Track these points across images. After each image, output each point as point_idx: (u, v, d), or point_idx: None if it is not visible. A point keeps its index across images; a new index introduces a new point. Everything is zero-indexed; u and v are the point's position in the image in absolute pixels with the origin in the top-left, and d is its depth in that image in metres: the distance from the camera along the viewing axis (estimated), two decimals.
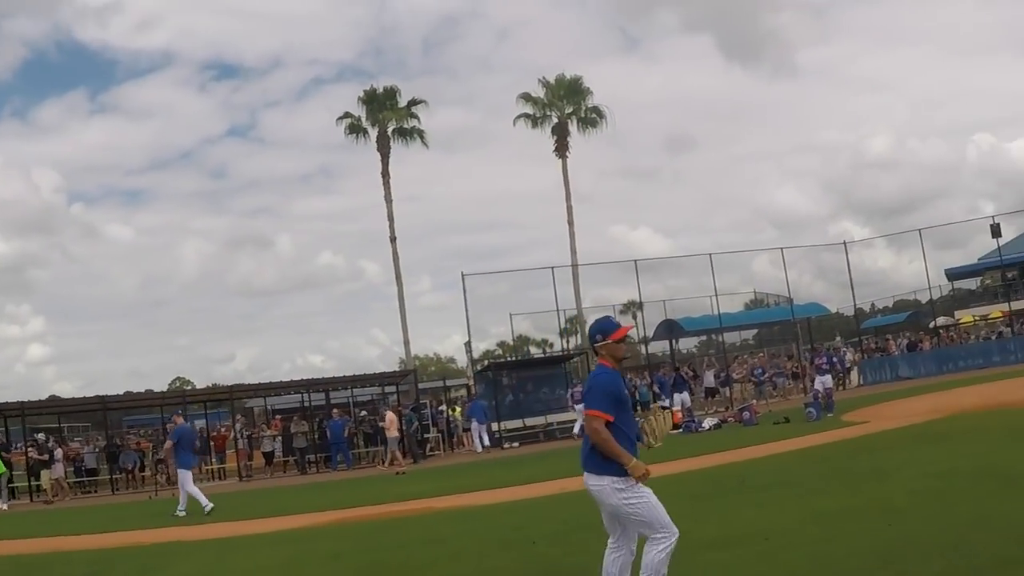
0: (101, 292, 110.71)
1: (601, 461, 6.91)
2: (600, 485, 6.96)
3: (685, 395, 34.97)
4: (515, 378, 41.70)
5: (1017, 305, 56.13)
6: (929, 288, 52.71)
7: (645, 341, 50.50)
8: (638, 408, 42.53)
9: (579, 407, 36.05)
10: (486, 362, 43.89)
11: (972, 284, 70.95)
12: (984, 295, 68.14)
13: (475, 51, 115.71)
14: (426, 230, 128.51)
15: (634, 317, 65.94)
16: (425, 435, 39.49)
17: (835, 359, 30.44)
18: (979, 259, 65.76)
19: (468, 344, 45.17)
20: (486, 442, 37.67)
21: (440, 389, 50.81)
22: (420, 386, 52.59)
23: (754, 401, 35.22)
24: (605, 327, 7.15)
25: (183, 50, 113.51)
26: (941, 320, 63.40)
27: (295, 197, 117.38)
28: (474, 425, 38.40)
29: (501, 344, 63.09)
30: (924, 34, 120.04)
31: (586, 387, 7.55)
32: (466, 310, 41.49)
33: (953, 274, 63.55)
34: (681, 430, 30.45)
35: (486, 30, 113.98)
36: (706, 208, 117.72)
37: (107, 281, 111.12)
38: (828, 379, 28.97)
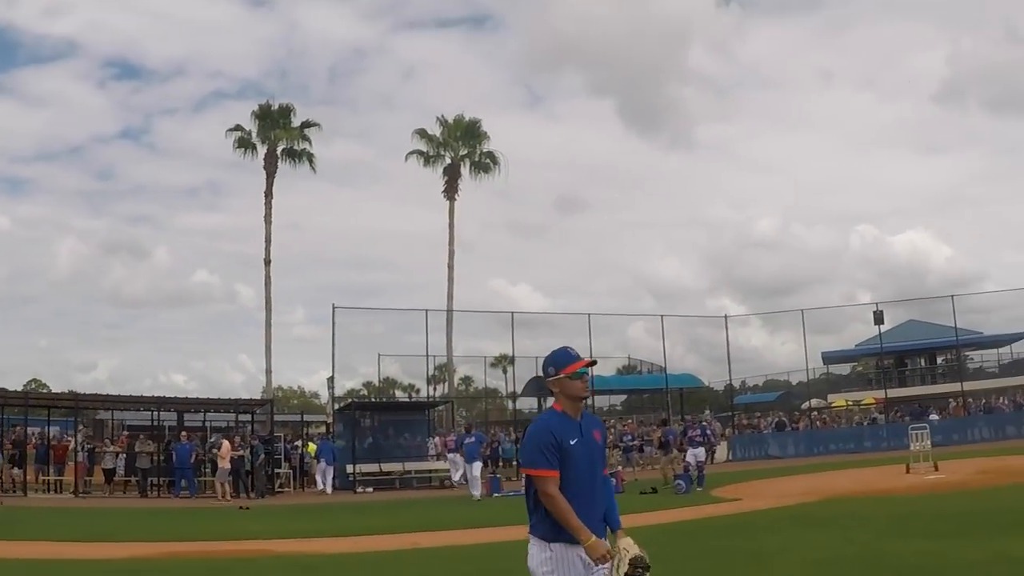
0: None
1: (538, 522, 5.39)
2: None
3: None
4: (376, 420, 39.86)
5: (892, 393, 56.48)
6: (807, 369, 52.25)
7: (514, 396, 49.04)
8: (500, 464, 41.19)
9: (451, 455, 34.47)
10: (348, 400, 41.26)
11: (845, 369, 71.06)
12: (857, 380, 68.42)
13: (379, 87, 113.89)
14: (308, 260, 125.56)
15: (505, 372, 64.99)
16: (276, 470, 37.25)
17: (708, 432, 28.96)
18: (856, 345, 65.86)
19: (331, 380, 42.85)
20: (329, 486, 35.57)
21: (299, 423, 48.32)
22: (277, 418, 50.26)
23: (620, 468, 33.76)
24: (558, 359, 5.51)
25: (88, 43, 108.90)
26: (813, 402, 63.49)
27: (179, 209, 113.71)
28: (321, 465, 36.38)
29: (367, 384, 60.77)
30: (821, 123, 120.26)
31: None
32: (333, 344, 39.49)
33: (829, 357, 63.26)
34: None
35: (393, 67, 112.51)
36: (588, 271, 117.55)
37: None
38: (701, 452, 27.42)
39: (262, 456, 34.46)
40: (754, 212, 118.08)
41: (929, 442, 27.03)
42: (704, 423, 32.58)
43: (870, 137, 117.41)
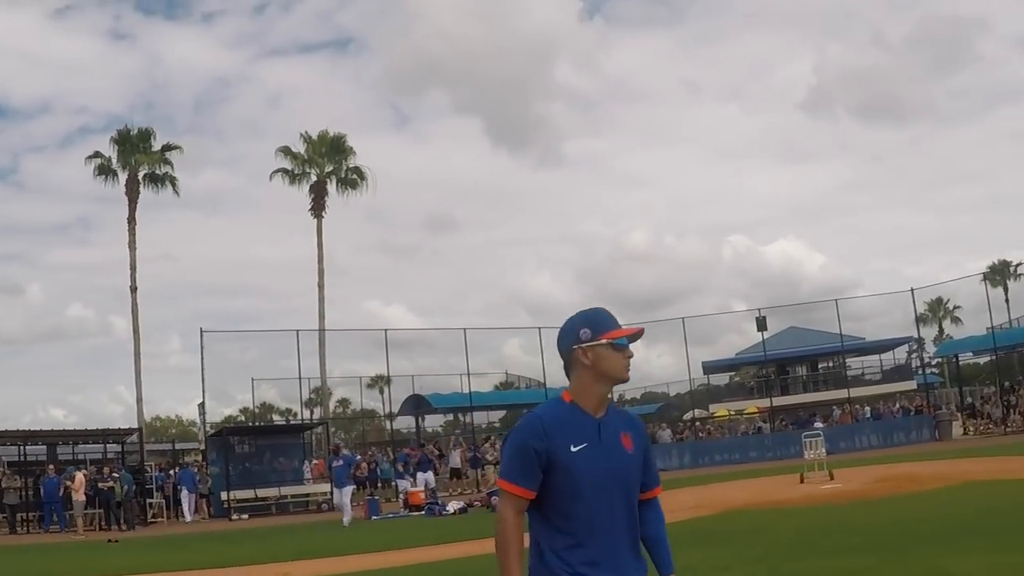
0: None
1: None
2: None
3: (430, 475, 31.85)
4: (250, 445, 38.05)
5: (776, 402, 56.02)
6: (689, 379, 51.51)
7: (391, 417, 47.47)
8: (378, 486, 39.38)
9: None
10: (221, 426, 38.97)
11: (724, 379, 70.64)
12: (739, 390, 67.94)
13: (245, 114, 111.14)
14: (181, 290, 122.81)
15: (381, 392, 63.17)
16: (148, 500, 35.38)
17: None
18: (736, 354, 65.45)
19: (202, 405, 40.41)
20: (189, 514, 34.43)
21: (174, 452, 45.89)
22: (151, 447, 48.01)
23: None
24: (596, 319, 3.74)
25: None
26: (696, 412, 62.83)
27: (50, 246, 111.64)
28: (184, 493, 34.77)
29: (244, 411, 58.56)
30: (689, 136, 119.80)
31: None
32: (202, 369, 37.78)
33: (709, 367, 62.53)
34: (424, 512, 27.47)
35: (258, 94, 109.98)
36: (461, 289, 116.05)
37: None
38: None
39: (129, 487, 32.36)
40: (626, 225, 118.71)
41: (824, 450, 26.00)
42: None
43: (739, 148, 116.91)
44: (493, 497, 26.48)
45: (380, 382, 60.35)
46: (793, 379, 65.35)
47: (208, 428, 40.08)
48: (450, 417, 62.27)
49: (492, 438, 41.26)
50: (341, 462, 28.49)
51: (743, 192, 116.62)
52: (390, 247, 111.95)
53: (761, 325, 46.74)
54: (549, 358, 47.24)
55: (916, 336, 79.93)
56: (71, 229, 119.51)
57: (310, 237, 50.81)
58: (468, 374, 43.63)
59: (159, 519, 35.10)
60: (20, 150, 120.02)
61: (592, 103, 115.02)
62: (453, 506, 27.86)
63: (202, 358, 37.15)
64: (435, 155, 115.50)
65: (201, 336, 37.18)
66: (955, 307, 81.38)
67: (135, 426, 40.31)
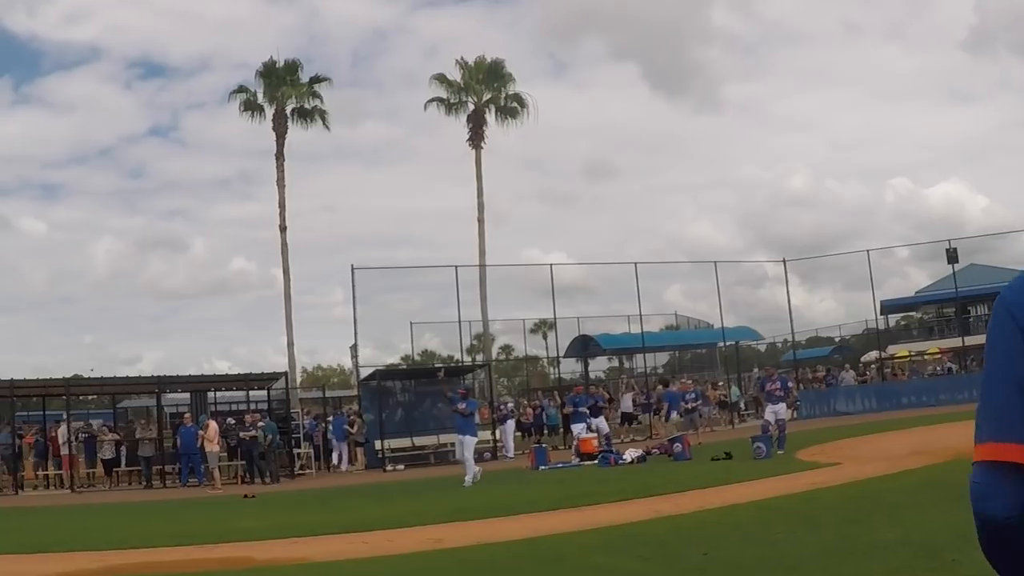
0: (9, 285, 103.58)
1: None
2: None
3: (602, 420, 29.31)
4: (405, 390, 36.16)
5: (958, 342, 52.50)
6: (876, 319, 48.37)
7: (557, 361, 45.33)
8: (544, 433, 37.50)
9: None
10: (371, 370, 37.09)
11: (898, 321, 66.86)
12: (920, 330, 64.19)
13: (402, 66, 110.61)
14: (344, 242, 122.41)
15: (544, 337, 61.22)
16: (295, 450, 33.75)
17: (790, 384, 24.36)
18: (916, 292, 61.75)
19: (354, 348, 38.21)
20: (344, 464, 33.67)
21: (326, 400, 44.54)
22: (304, 395, 46.69)
23: (684, 432, 30.07)
24: None
25: (111, 46, 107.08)
26: (872, 355, 59.57)
27: (212, 201, 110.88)
28: (334, 443, 33.64)
29: (406, 359, 57.27)
30: (849, 77, 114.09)
31: None
32: (354, 308, 35.75)
33: (889, 306, 58.83)
34: (597, 461, 24.98)
35: (415, 46, 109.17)
36: (621, 237, 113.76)
37: (16, 275, 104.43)
38: (782, 408, 23.27)
39: (271, 437, 30.64)
40: (785, 170, 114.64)
41: None
42: (784, 375, 28.14)
43: (899, 89, 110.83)
44: (676, 444, 24.21)
45: (543, 327, 58.34)
46: (975, 319, 61.14)
47: (361, 373, 38.13)
48: (615, 363, 60.27)
49: (671, 379, 38.65)
50: (464, 405, 23.26)
51: (904, 134, 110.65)
52: (549, 195, 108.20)
53: (951, 257, 43.07)
54: (711, 304, 45.37)
55: None
56: (232, 184, 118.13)
57: (470, 181, 48.76)
58: (640, 314, 41.18)
59: (307, 470, 33.71)
60: (180, 107, 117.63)
61: (749, 46, 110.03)
62: (631, 454, 25.29)
63: (353, 297, 35.37)
64: (593, 102, 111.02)
65: (352, 274, 35.44)
66: None
67: (299, 376, 38.96)
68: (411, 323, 42.73)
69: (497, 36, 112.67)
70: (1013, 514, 1.85)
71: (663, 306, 70.42)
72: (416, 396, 36.31)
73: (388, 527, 14.57)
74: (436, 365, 40.59)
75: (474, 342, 53.90)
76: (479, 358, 48.57)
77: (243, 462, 31.01)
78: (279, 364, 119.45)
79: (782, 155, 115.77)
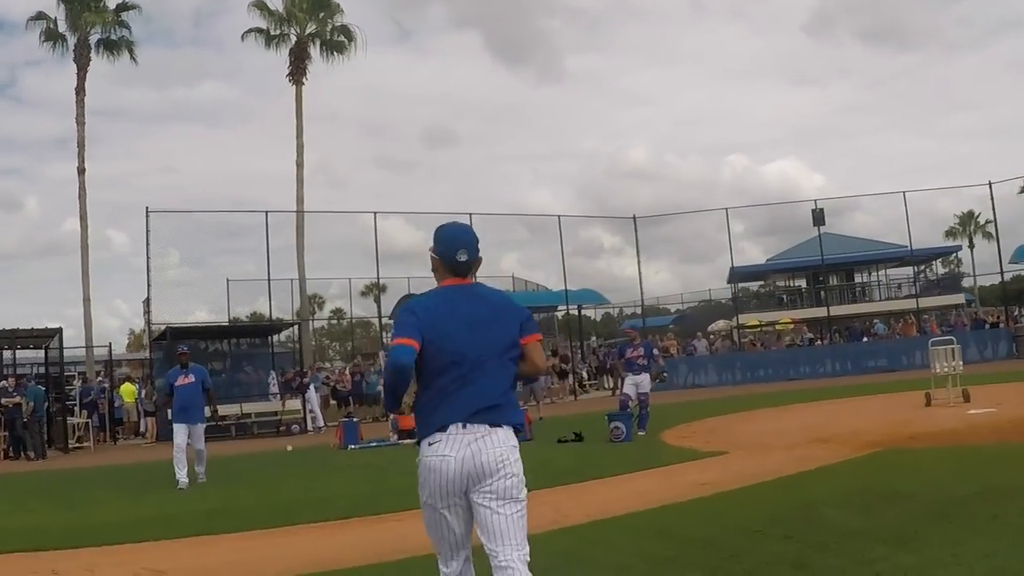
0: None
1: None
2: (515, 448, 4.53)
3: None
4: (203, 352, 31.09)
5: (814, 313, 50.00)
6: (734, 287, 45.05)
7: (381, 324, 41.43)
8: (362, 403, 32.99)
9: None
10: (162, 327, 31.60)
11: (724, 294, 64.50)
12: (770, 300, 61.58)
13: (242, 27, 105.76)
14: (182, 204, 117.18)
15: (376, 301, 57.03)
16: (68, 419, 28.62)
17: (655, 352, 19.65)
18: (768, 259, 59.12)
19: (147, 303, 32.78)
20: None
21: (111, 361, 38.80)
22: (130, 356, 41.39)
23: (523, 406, 25.71)
24: None
25: None
26: (719, 324, 57.01)
27: (48, 160, 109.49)
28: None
29: (234, 321, 52.19)
30: (693, 55, 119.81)
31: None
32: (147, 257, 30.82)
33: (738, 274, 55.63)
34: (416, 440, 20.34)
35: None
36: (460, 205, 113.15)
37: None
38: (645, 380, 18.39)
39: (37, 403, 25.60)
40: (626, 143, 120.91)
41: (961, 362, 19.22)
42: (648, 340, 23.64)
43: (741, 68, 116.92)
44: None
45: (374, 289, 53.73)
46: (829, 289, 58.65)
47: (154, 332, 32.58)
48: None
49: None
50: (191, 378, 15.65)
51: (744, 112, 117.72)
52: (389, 161, 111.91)
53: (818, 219, 39.93)
54: (547, 273, 42.25)
55: (968, 244, 75.10)
56: (69, 143, 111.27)
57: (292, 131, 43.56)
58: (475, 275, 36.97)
59: (85, 443, 28.73)
60: (18, 63, 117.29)
61: (594, 19, 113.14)
62: None
63: (147, 244, 30.44)
64: (435, 69, 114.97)
65: (147, 218, 30.39)
66: (987, 221, 74.87)
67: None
68: (227, 280, 38.11)
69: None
70: (409, 363, 4.35)
71: (500, 272, 67.27)
72: (216, 359, 31.61)
73: (78, 543, 9.79)
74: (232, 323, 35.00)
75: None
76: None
77: (6, 433, 26.13)
78: (112, 327, 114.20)
79: (624, 129, 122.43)
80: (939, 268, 63.10)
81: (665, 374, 23.20)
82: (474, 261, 4.65)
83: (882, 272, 60.33)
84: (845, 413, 19.42)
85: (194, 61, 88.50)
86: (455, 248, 4.64)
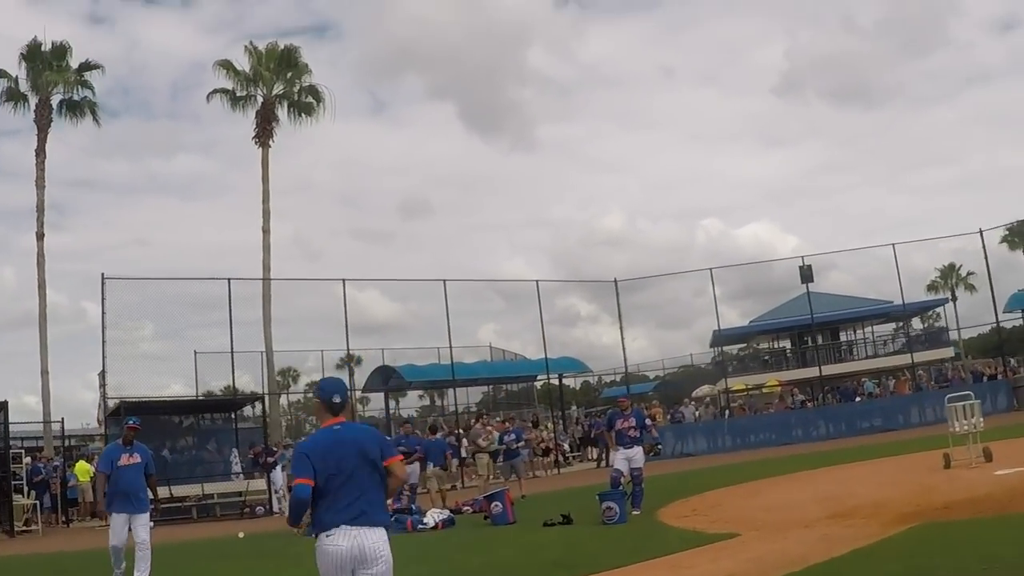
0: None
1: (386, 512, 6.50)
2: (386, 541, 6.11)
3: (409, 468, 22.47)
4: (162, 428, 29.21)
5: (801, 374, 48.50)
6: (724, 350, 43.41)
7: (361, 398, 39.79)
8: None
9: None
10: (117, 402, 29.18)
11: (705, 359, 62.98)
12: (754, 363, 59.97)
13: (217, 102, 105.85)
14: (153, 273, 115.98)
15: (351, 374, 55.37)
16: (14, 501, 26.38)
17: (648, 422, 17.67)
18: (750, 321, 57.53)
19: (102, 375, 30.38)
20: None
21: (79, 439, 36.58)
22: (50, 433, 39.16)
23: (503, 480, 23.71)
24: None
25: None
26: (703, 389, 55.25)
27: (23, 230, 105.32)
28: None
29: (208, 395, 50.22)
30: (664, 120, 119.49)
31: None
32: (103, 326, 28.93)
33: (722, 337, 53.92)
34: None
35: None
36: (437, 274, 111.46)
37: None
38: (638, 454, 16.50)
39: None
40: (599, 210, 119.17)
41: (981, 419, 17.54)
42: (639, 408, 21.66)
43: (713, 132, 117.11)
44: (495, 504, 17.69)
45: (351, 361, 51.87)
46: (814, 348, 57.04)
47: (109, 406, 30.28)
48: (426, 402, 56.28)
49: (485, 416, 31.82)
50: (137, 457, 12.59)
51: (717, 176, 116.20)
52: (365, 232, 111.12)
53: (806, 276, 38.44)
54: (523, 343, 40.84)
55: (952, 297, 73.77)
56: (45, 213, 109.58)
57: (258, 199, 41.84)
58: (450, 345, 35.51)
59: (33, 526, 26.51)
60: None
61: (565, 88, 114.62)
62: (434, 516, 18.50)
63: (103, 313, 28.40)
64: (410, 140, 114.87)
65: (103, 285, 28.51)
66: (968, 273, 73.69)
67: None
68: (195, 352, 35.48)
69: (317, 71, 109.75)
70: (307, 497, 5.82)
71: (476, 343, 65.84)
72: (176, 434, 29.86)
73: None
74: (195, 397, 32.69)
75: (278, 378, 47.75)
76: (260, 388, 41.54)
77: None
78: (87, 400, 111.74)
79: (596, 195, 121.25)
80: (917, 324, 61.80)
81: (659, 446, 21.43)
82: (345, 403, 6.29)
83: (868, 329, 58.92)
84: (859, 480, 17.63)
85: (170, 133, 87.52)
86: (331, 394, 6.24)
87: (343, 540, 5.73)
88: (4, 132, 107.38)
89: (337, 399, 6.19)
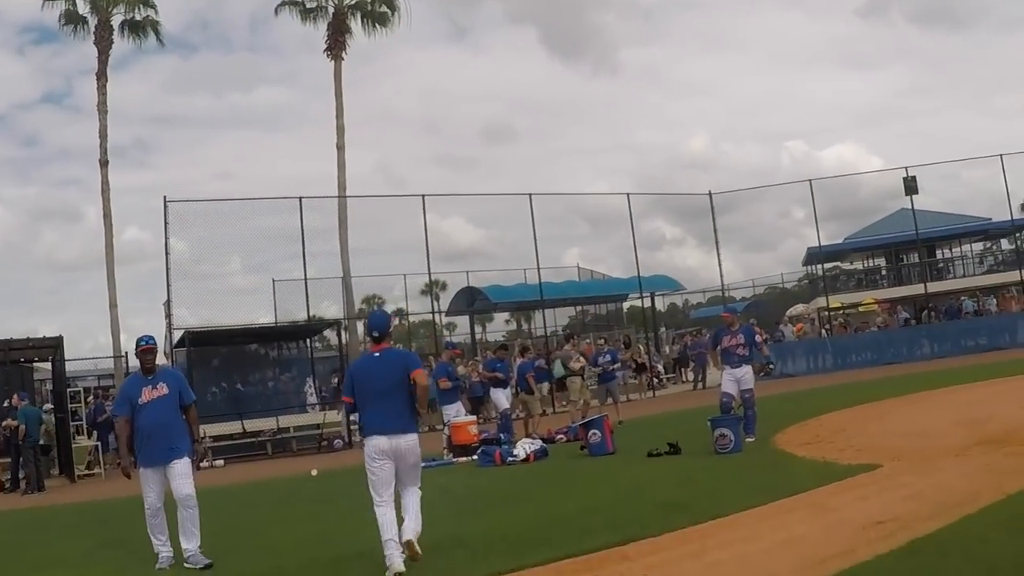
0: None
1: (414, 420, 8.29)
2: (415, 441, 8.21)
3: (500, 392, 20.51)
4: (231, 359, 27.86)
5: (897, 292, 46.49)
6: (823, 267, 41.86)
7: (443, 321, 40.14)
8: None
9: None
10: (181, 332, 27.11)
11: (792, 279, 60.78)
12: (848, 282, 57.70)
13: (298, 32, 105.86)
14: (238, 207, 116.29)
15: (436, 299, 54.17)
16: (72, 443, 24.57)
17: (758, 339, 15.87)
18: (845, 239, 55.17)
19: (167, 304, 28.85)
20: None
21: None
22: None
23: (598, 404, 22.13)
24: None
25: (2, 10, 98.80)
26: (799, 308, 53.20)
27: (108, 169, 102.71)
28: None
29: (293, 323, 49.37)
30: (747, 42, 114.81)
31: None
32: (166, 252, 27.73)
33: (815, 255, 51.54)
34: (476, 458, 16.80)
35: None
36: (521, 201, 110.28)
37: None
38: (748, 374, 15.11)
39: (22, 426, 21.49)
40: (683, 133, 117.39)
41: None
42: (750, 324, 19.89)
43: (797, 54, 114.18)
44: (593, 432, 16.13)
45: (436, 287, 50.31)
46: (913, 266, 54.57)
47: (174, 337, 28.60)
48: (512, 326, 54.19)
49: (575, 337, 29.82)
50: (164, 389, 9.84)
51: (801, 98, 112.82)
52: (448, 159, 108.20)
53: (910, 189, 36.05)
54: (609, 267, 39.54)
55: None
56: (129, 152, 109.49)
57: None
58: (538, 266, 34.08)
59: (95, 469, 24.63)
60: (73, 73, 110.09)
61: (648, 11, 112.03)
62: (525, 447, 16.60)
63: (166, 239, 27.28)
64: (492, 66, 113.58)
65: (165, 209, 27.36)
66: None
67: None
68: (273, 280, 33.91)
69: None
70: (351, 410, 9.20)
71: (563, 264, 64.79)
72: (246, 366, 28.26)
73: None
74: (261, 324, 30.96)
75: (363, 305, 46.74)
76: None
77: (9, 460, 22.56)
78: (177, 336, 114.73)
79: (680, 119, 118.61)
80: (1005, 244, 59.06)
81: (771, 365, 19.62)
82: (384, 335, 8.43)
83: (965, 247, 56.33)
84: (999, 401, 15.75)
85: (250, 66, 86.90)
86: (371, 329, 8.54)
87: (382, 443, 8.00)
88: (82, 70, 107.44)
89: (376, 333, 8.34)
